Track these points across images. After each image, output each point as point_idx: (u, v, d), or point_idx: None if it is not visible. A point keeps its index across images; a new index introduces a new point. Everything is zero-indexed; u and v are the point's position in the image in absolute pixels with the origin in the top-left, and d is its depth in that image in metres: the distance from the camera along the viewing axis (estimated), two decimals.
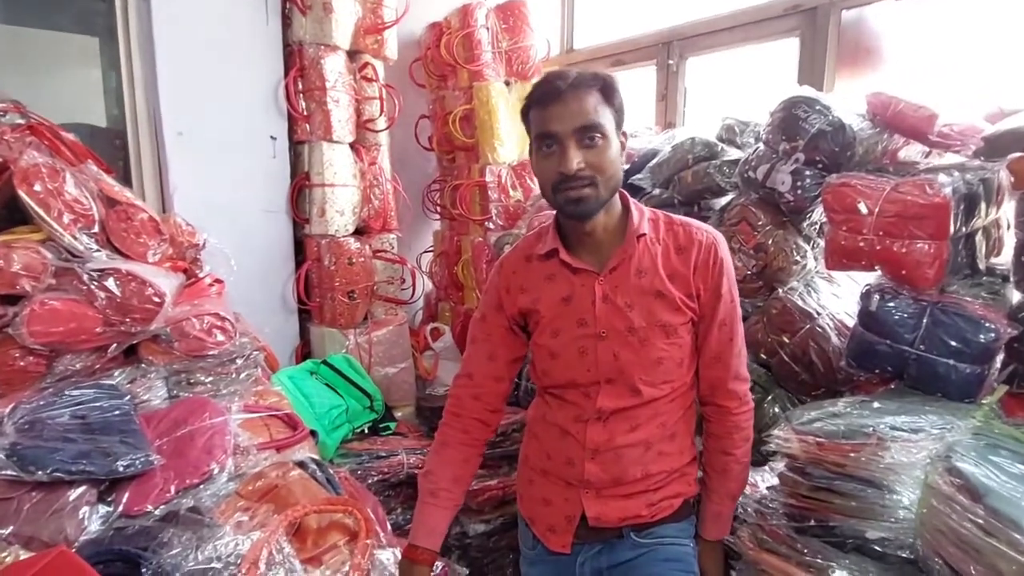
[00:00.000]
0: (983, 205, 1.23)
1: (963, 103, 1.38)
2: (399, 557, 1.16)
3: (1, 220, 1.57)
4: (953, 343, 1.18)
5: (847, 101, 1.50)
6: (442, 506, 1.18)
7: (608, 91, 1.07)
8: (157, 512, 1.19)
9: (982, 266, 1.31)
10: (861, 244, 1.30)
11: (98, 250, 1.56)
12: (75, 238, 1.52)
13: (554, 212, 1.18)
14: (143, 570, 1.01)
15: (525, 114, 1.11)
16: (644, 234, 1.12)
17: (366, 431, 2.27)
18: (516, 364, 1.25)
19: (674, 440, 1.17)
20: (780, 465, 1.25)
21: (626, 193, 1.17)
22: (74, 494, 1.17)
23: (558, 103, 1.03)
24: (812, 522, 1.13)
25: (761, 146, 1.60)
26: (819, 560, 1.09)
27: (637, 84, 2.60)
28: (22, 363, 1.47)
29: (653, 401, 1.13)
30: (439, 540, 1.17)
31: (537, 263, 1.18)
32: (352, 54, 2.57)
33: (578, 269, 1.13)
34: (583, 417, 1.15)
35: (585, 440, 1.14)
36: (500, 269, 1.23)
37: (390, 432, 2.31)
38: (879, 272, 1.32)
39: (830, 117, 1.45)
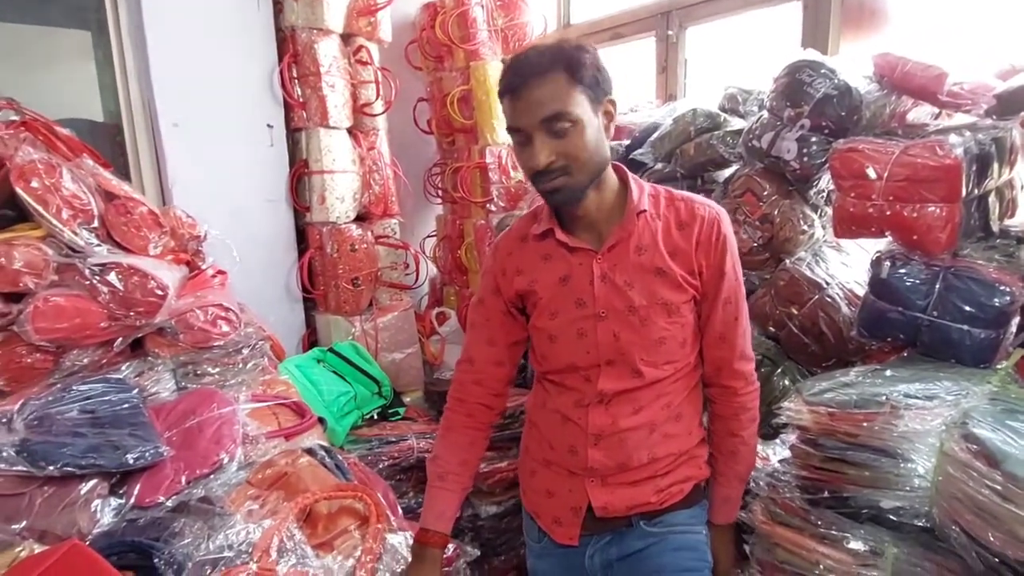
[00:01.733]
0: (996, 165, 1.19)
1: (973, 61, 1.34)
2: (411, 541, 1.16)
3: (0, 219, 1.57)
4: (967, 308, 1.15)
5: (853, 64, 1.46)
6: (450, 489, 1.18)
7: (574, 68, 0.98)
8: (169, 503, 1.20)
9: (996, 228, 1.27)
10: (870, 210, 1.27)
11: (99, 245, 1.55)
12: (75, 233, 1.51)
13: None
14: (156, 560, 1.01)
15: (501, 103, 1.06)
16: (644, 210, 1.08)
17: (375, 417, 2.27)
18: (517, 348, 1.23)
19: (680, 421, 1.14)
20: (791, 437, 1.23)
21: (624, 168, 1.13)
22: (86, 487, 1.18)
23: (520, 96, 0.98)
24: (826, 493, 1.12)
25: (765, 114, 1.56)
26: (833, 531, 1.08)
27: (636, 57, 2.55)
28: (29, 360, 1.47)
29: (656, 382, 1.10)
30: (449, 523, 1.17)
31: (533, 243, 1.14)
32: (346, 37, 2.53)
33: (575, 248, 1.09)
34: (584, 402, 1.12)
35: (587, 425, 1.11)
36: (495, 252, 1.20)
37: (399, 417, 2.31)
38: (889, 239, 1.29)
39: (835, 81, 1.41)
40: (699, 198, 1.13)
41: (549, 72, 0.97)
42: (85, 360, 1.53)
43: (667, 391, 1.12)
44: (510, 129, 1.03)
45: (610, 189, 1.10)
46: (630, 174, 1.12)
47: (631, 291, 1.07)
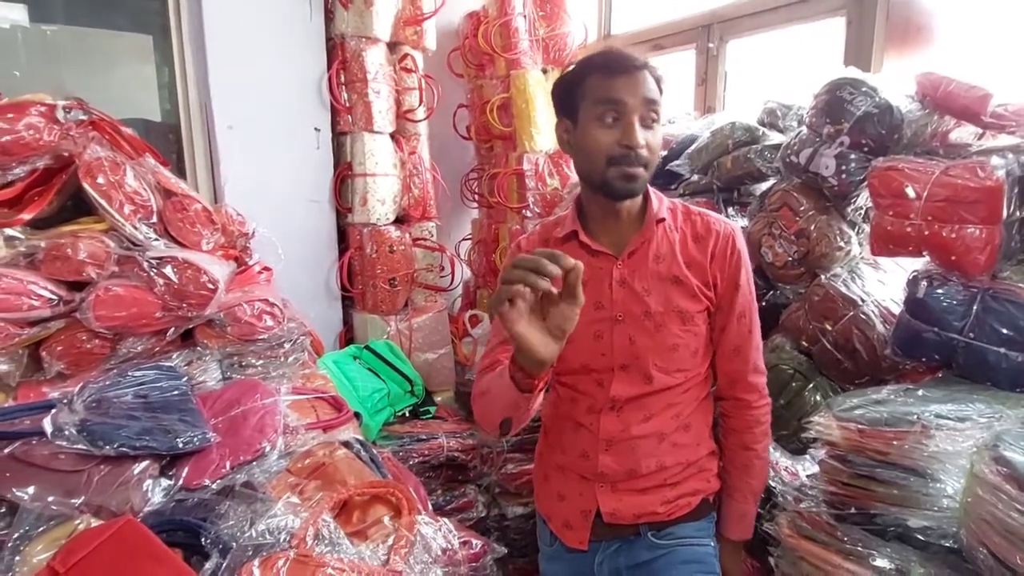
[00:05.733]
0: None
1: (1021, 81, 1.33)
2: (443, 530, 1.18)
3: (68, 211, 1.66)
4: (1004, 331, 1.14)
5: (895, 82, 1.46)
6: None
7: (660, 82, 1.08)
8: (214, 486, 1.25)
9: None
10: (908, 229, 1.27)
11: (156, 239, 1.63)
12: (135, 228, 1.59)
13: (573, 198, 1.18)
14: (203, 539, 1.07)
15: (575, 84, 1.07)
16: (663, 219, 1.13)
17: (407, 415, 2.33)
18: None
19: (689, 431, 1.16)
20: (821, 453, 1.24)
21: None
22: (138, 468, 1.24)
23: (629, 74, 1.03)
24: (852, 510, 1.12)
25: (804, 130, 1.57)
26: (860, 548, 1.08)
27: (676, 69, 2.56)
28: (89, 345, 1.55)
29: (666, 390, 1.13)
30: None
31: (555, 246, 1.18)
32: (392, 46, 2.61)
33: (597, 251, 1.14)
34: (596, 407, 1.15)
35: (599, 431, 1.14)
36: (518, 251, 1.23)
37: (430, 416, 2.37)
38: (927, 258, 1.29)
39: (876, 99, 1.41)
40: (714, 215, 1.18)
41: (651, 72, 1.06)
42: (139, 348, 1.61)
43: (677, 400, 1.15)
44: (605, 102, 1.04)
45: (639, 197, 1.15)
46: (650, 186, 1.16)
47: (648, 297, 1.11)
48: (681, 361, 1.12)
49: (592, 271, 1.13)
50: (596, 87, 1.05)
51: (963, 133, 1.42)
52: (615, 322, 1.12)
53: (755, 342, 1.17)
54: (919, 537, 1.03)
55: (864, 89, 1.43)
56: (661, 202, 1.15)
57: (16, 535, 1.04)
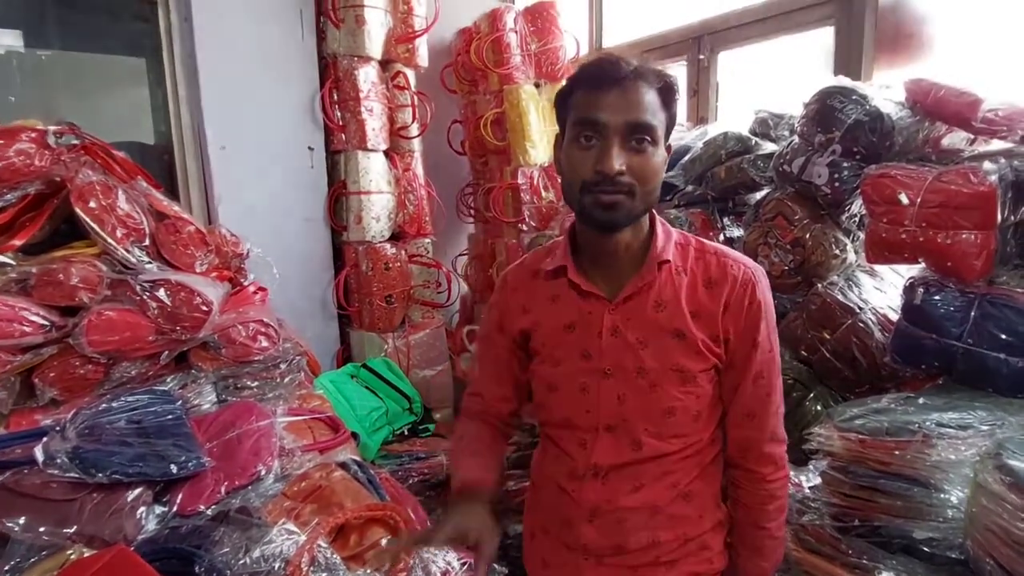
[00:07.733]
0: None
1: (1011, 87, 1.33)
2: (442, 551, 1.16)
3: (60, 236, 1.66)
4: (1003, 336, 1.14)
5: (885, 90, 1.47)
6: (485, 457, 1.07)
7: (668, 94, 0.90)
8: (209, 512, 1.24)
9: None
10: (903, 236, 1.27)
11: (149, 262, 1.62)
12: (128, 251, 1.58)
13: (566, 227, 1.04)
14: (196, 568, 1.05)
15: (565, 97, 0.93)
16: (667, 261, 0.95)
17: (406, 433, 2.31)
18: (525, 388, 1.11)
19: (690, 501, 0.99)
20: (823, 464, 1.22)
21: (655, 213, 0.99)
22: (132, 495, 1.22)
23: (614, 89, 0.87)
24: (856, 522, 1.10)
25: (796, 139, 1.57)
26: (865, 561, 1.07)
27: None
28: (82, 371, 1.54)
29: (661, 457, 0.96)
30: (493, 476, 1.04)
31: (543, 281, 1.02)
32: (384, 64, 2.62)
33: (587, 293, 0.97)
34: (578, 472, 1.00)
35: (581, 500, 0.99)
36: (503, 285, 1.10)
37: (429, 434, 2.35)
38: (923, 265, 1.28)
39: (867, 107, 1.41)
40: (735, 254, 0.99)
41: (647, 82, 0.88)
42: (133, 372, 1.60)
43: (673, 468, 0.98)
44: (582, 122, 0.89)
45: (641, 230, 0.97)
46: (659, 219, 1.00)
47: (643, 351, 0.94)
48: (678, 426, 0.95)
49: (580, 315, 0.97)
50: (579, 102, 0.90)
51: (955, 139, 1.42)
52: (603, 376, 0.96)
53: (774, 407, 0.98)
54: (924, 549, 1.02)
55: (854, 97, 1.43)
56: (668, 238, 0.97)
57: (6, 567, 1.02)
